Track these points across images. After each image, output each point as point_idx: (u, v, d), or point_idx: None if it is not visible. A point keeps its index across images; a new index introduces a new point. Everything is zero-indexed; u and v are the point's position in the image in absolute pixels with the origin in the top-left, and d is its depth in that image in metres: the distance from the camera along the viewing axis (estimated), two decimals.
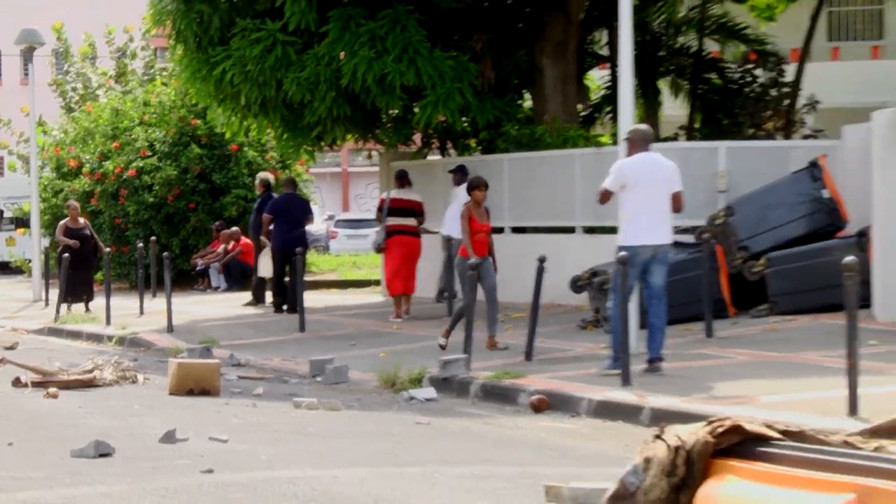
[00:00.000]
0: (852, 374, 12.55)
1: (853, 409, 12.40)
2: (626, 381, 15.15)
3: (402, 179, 25.43)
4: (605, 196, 16.20)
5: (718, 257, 20.60)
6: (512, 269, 22.47)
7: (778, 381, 14.96)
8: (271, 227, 26.51)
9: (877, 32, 37.51)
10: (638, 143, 16.28)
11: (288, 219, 26.42)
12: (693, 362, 16.83)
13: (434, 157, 30.00)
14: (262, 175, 29.12)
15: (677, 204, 16.04)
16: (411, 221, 24.95)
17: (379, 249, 25.31)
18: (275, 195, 28.00)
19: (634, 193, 15.88)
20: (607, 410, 14.35)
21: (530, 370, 16.86)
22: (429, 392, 16.35)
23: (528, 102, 28.98)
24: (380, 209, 25.29)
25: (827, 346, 16.50)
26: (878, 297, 19.48)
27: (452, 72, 25.04)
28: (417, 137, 29.79)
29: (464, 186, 25.44)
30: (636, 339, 16.95)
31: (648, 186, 15.86)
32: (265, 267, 28.00)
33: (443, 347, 18.68)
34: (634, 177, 15.91)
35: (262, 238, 27.74)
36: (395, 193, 25.20)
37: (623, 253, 15.77)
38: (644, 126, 17.09)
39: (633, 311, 16.94)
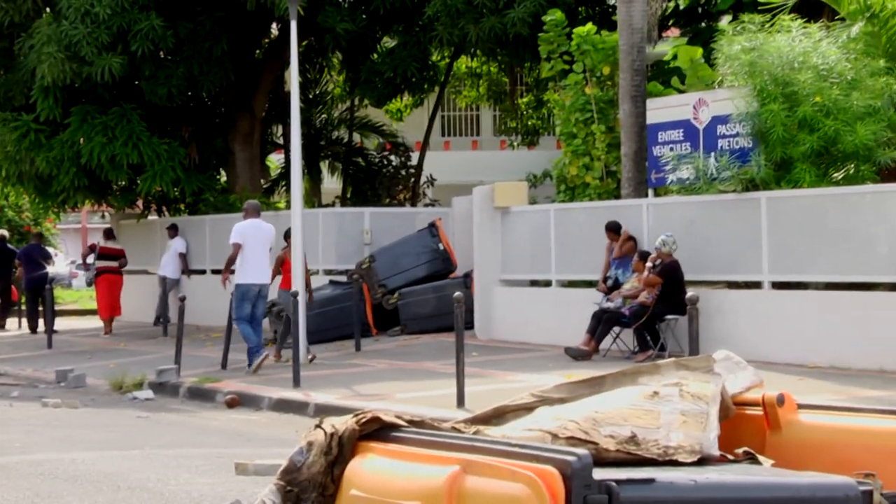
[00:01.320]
0: (460, 377, 12.76)
1: (461, 403, 12.59)
2: (296, 383, 15.08)
3: (109, 234, 26.18)
4: (237, 249, 16.76)
5: (364, 292, 20.69)
6: (214, 300, 22.13)
7: (408, 383, 15.08)
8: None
9: (475, 130, 38.41)
10: (251, 212, 17.19)
11: (33, 262, 26.68)
12: (346, 370, 16.86)
13: (153, 217, 29.40)
14: None
15: None
16: (114, 264, 25.25)
17: (90, 283, 25.57)
18: (10, 247, 28.19)
19: (246, 247, 16.63)
20: (283, 406, 14.26)
21: (226, 376, 16.63)
22: (148, 393, 15.98)
23: (223, 177, 28.75)
24: (85, 254, 26.15)
25: (443, 357, 16.70)
26: (478, 321, 19.87)
27: (166, 153, 24.82)
28: (140, 202, 29.22)
29: (177, 238, 25.19)
30: (304, 353, 16.91)
31: (255, 243, 16.68)
32: None
33: (277, 360, 17.72)
34: (247, 235, 16.71)
35: None
36: (104, 243, 25.63)
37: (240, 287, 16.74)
38: (255, 201, 17.86)
39: (302, 330, 16.90)
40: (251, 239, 16.62)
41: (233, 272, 17.12)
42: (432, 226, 21.44)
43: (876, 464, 4.21)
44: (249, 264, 16.57)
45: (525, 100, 33.89)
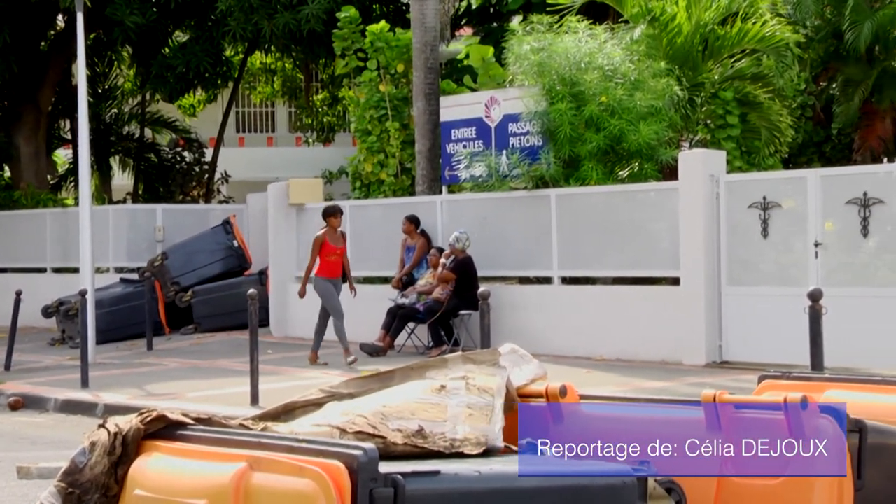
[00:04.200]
0: (254, 375, 12.66)
1: (255, 401, 12.49)
2: (84, 383, 14.72)
3: None
4: None
5: (157, 290, 20.35)
6: None
7: (201, 382, 14.90)
8: None
9: (271, 127, 38.13)
10: None
11: None
12: (137, 369, 16.54)
13: None
14: None
15: None
16: None
17: None
18: None
19: None
20: (70, 407, 13.89)
21: (9, 378, 16.09)
22: None
23: (7, 173, 27.87)
24: None
25: (237, 354, 16.57)
26: (273, 319, 19.76)
27: None
28: None
29: None
30: (93, 353, 16.52)
31: None
32: None
33: (323, 363, 15.90)
34: None
35: None
36: None
37: None
38: None
39: (91, 333, 16.52)
40: None
41: None
42: (226, 223, 21.24)
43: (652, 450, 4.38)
44: None
45: (320, 97, 33.83)
